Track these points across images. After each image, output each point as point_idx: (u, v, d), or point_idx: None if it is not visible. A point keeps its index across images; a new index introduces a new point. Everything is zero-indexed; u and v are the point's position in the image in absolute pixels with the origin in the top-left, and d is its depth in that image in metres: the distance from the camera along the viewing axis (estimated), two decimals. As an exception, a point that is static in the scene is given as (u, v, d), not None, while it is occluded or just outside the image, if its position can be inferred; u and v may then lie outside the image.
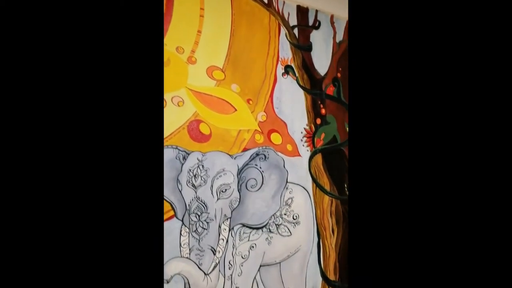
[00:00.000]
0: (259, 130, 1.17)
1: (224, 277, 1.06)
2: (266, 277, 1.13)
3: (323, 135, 1.28)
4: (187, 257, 1.00)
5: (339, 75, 1.35)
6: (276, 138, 1.19)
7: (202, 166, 1.02)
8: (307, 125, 1.25)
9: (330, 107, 1.32)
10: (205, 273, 1.00)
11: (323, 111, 1.29)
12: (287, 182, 1.14)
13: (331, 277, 1.22)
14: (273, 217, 1.13)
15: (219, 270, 1.05)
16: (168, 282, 0.96)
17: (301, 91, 1.27)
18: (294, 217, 1.15)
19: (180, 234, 0.99)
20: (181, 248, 0.99)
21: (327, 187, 1.25)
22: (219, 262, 1.03)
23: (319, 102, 1.30)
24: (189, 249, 0.99)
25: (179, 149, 1.02)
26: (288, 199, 1.16)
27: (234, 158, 1.07)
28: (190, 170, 1.01)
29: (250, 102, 1.17)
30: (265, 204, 1.11)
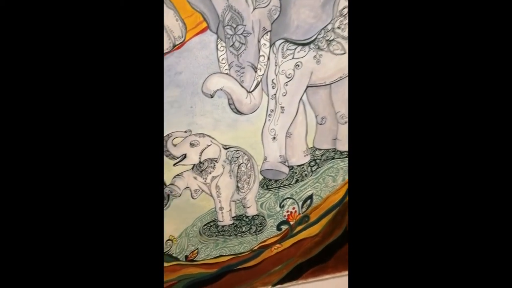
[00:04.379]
0: None
1: (268, 96, 1.02)
2: (314, 98, 1.06)
3: None
4: (227, 73, 0.96)
5: None
6: None
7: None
8: None
9: None
10: (247, 91, 0.97)
11: None
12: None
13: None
14: (323, 31, 0.96)
15: (262, 89, 1.00)
16: (212, 97, 0.96)
17: None
18: (350, 32, 0.98)
19: (217, 48, 0.92)
20: (220, 63, 0.94)
21: None
22: (261, 80, 0.98)
23: None
24: (229, 65, 0.94)
25: None
26: (343, 8, 0.95)
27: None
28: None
29: None
30: (313, 14, 0.94)
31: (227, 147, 1.07)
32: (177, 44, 0.92)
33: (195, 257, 1.16)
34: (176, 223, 1.10)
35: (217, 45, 0.93)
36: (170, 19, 0.90)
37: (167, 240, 1.10)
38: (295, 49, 0.98)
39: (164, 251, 1.11)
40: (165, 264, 1.14)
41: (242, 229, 1.17)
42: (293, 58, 0.99)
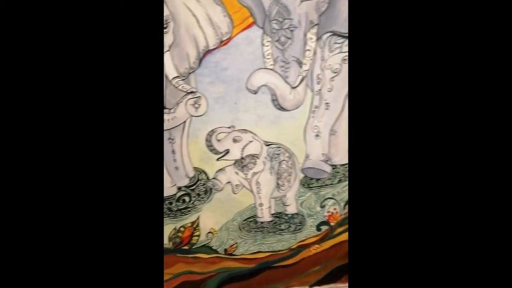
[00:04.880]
0: None
1: (313, 92, 1.00)
2: (361, 95, 1.05)
3: None
4: (271, 69, 0.95)
5: None
6: None
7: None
8: None
9: None
10: (291, 86, 0.96)
11: None
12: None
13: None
14: (372, 24, 0.95)
15: (307, 84, 0.99)
16: (255, 93, 0.96)
17: None
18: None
19: (262, 43, 0.93)
20: (265, 59, 0.94)
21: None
22: (306, 75, 0.96)
23: None
24: (274, 61, 0.94)
25: None
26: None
27: None
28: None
29: None
30: (363, 7, 0.92)
31: (269, 143, 1.07)
32: (224, 40, 0.94)
33: (234, 251, 1.18)
34: (216, 216, 1.12)
35: (262, 40, 0.93)
36: (217, 15, 0.92)
37: (207, 233, 1.13)
38: (343, 42, 0.96)
39: (205, 243, 1.15)
40: (205, 256, 1.17)
41: (281, 226, 1.16)
42: (340, 52, 0.96)
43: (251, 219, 1.14)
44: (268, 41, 0.93)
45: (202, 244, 1.14)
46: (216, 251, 1.18)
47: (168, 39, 0.92)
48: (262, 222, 1.14)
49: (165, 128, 1.00)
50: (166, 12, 0.90)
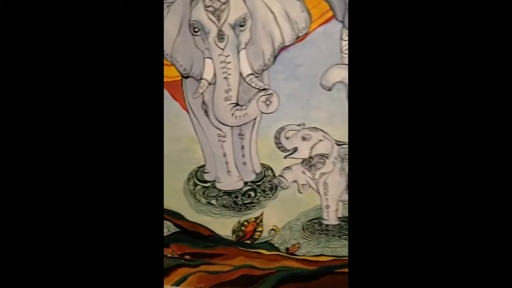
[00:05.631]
0: None
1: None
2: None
3: None
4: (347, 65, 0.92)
5: None
6: None
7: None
8: None
9: None
10: (370, 84, 0.92)
11: None
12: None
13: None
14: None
15: (387, 82, 0.95)
16: (330, 90, 0.94)
17: None
18: None
19: (341, 38, 0.90)
20: (342, 54, 0.90)
21: None
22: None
23: None
24: (352, 56, 0.92)
25: None
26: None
27: None
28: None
29: None
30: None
31: (341, 143, 1.03)
32: (301, 36, 0.93)
33: (296, 251, 1.17)
34: (280, 214, 1.12)
35: (341, 34, 0.90)
36: (295, 11, 0.91)
37: (270, 229, 1.14)
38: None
39: (267, 240, 1.16)
40: (266, 252, 1.18)
41: (347, 231, 1.12)
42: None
43: (316, 221, 1.11)
44: (347, 35, 0.89)
45: (264, 240, 1.15)
46: (277, 249, 1.18)
47: (244, 36, 0.94)
48: (327, 225, 1.11)
49: (236, 124, 1.03)
50: (244, 10, 0.92)
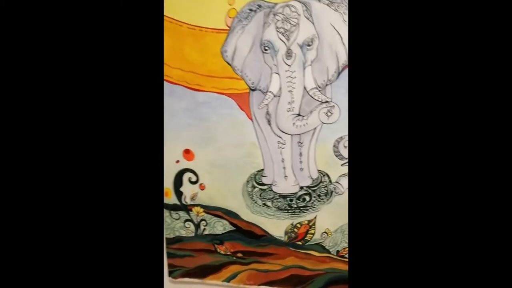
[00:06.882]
0: None
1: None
2: None
3: None
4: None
5: None
6: None
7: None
8: None
9: None
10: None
11: None
12: None
13: None
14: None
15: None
16: None
17: None
18: None
19: None
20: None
21: None
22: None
23: None
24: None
25: None
26: None
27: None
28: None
29: None
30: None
31: None
32: (366, 55, 1.00)
33: (346, 254, 1.22)
34: (333, 218, 1.18)
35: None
36: (361, 33, 0.98)
37: (322, 232, 1.20)
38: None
39: (318, 242, 1.21)
40: (316, 254, 1.23)
41: (399, 237, 1.16)
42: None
43: (368, 226, 1.18)
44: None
45: (316, 242, 1.21)
46: (328, 251, 1.23)
47: (311, 54, 1.03)
48: (378, 230, 1.16)
49: (296, 133, 1.12)
50: (312, 31, 1.02)
